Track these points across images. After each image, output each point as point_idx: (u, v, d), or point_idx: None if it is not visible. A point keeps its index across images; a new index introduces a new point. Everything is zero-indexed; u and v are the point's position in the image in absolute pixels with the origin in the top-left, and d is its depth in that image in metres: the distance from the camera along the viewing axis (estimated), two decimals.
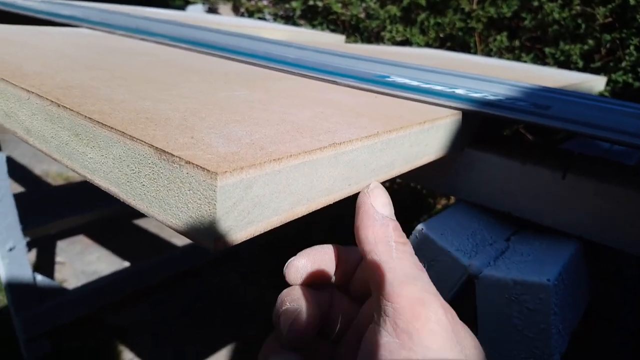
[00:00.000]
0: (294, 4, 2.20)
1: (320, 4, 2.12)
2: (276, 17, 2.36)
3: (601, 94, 1.53)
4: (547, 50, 1.70)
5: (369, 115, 0.34)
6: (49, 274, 1.69)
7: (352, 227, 0.25)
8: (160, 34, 0.67)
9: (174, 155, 0.20)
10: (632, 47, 1.51)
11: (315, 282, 0.26)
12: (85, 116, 0.24)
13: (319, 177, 0.25)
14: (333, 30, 2.15)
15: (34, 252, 1.78)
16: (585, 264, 0.43)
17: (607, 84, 1.53)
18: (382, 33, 2.03)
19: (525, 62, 1.71)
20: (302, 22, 2.25)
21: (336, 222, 1.74)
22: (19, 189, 2.15)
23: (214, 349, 1.43)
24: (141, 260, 1.66)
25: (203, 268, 1.78)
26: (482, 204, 0.45)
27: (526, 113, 0.42)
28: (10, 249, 1.26)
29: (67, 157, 0.27)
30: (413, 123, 0.33)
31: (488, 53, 1.83)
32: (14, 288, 1.26)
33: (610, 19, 1.58)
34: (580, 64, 1.62)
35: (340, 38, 1.59)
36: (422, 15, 1.95)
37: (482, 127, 0.47)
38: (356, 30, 2.13)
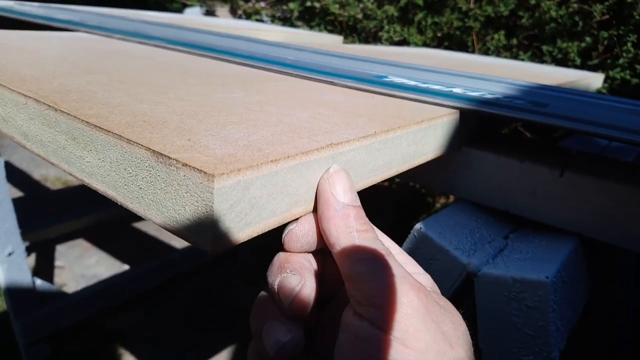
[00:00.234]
0: (291, 6, 2.20)
1: (317, 5, 2.13)
2: (274, 19, 2.36)
3: (599, 91, 1.53)
4: (544, 48, 1.70)
5: (366, 116, 0.34)
6: (49, 278, 1.69)
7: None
8: (158, 37, 0.67)
9: (170, 158, 0.20)
10: (629, 44, 1.52)
11: (312, 249, 0.26)
12: (83, 120, 0.24)
13: (316, 178, 0.25)
14: (331, 31, 2.16)
15: (33, 257, 1.78)
16: (585, 261, 0.43)
17: (605, 81, 1.53)
18: (380, 33, 2.04)
19: (522, 60, 1.72)
20: (299, 23, 2.25)
21: None
22: (17, 193, 2.15)
23: (213, 352, 1.43)
24: (140, 263, 1.66)
25: (201, 270, 1.77)
26: (481, 202, 0.45)
27: (524, 111, 0.42)
28: (10, 254, 1.26)
29: (64, 162, 0.27)
30: (411, 123, 0.34)
31: (486, 52, 1.84)
32: (14, 293, 1.26)
33: (607, 16, 1.58)
34: (578, 61, 1.63)
35: (338, 39, 1.59)
36: (420, 15, 1.95)
37: (480, 125, 0.48)
38: (354, 31, 2.14)
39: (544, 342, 0.36)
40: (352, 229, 0.23)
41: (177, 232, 0.21)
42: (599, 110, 0.49)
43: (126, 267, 1.79)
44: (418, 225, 0.42)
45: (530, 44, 1.79)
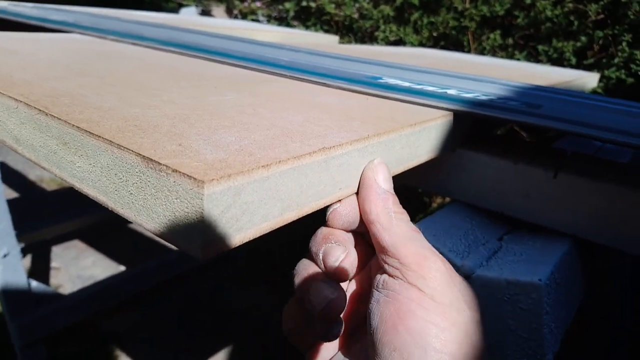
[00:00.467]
0: (287, 5, 2.20)
1: (313, 4, 2.12)
2: (270, 19, 2.36)
3: (594, 91, 1.54)
4: (540, 47, 1.71)
5: (360, 118, 0.34)
6: (45, 280, 1.68)
7: None
8: (151, 38, 0.66)
9: (160, 164, 0.20)
10: (624, 44, 1.52)
11: (350, 229, 0.29)
12: (73, 125, 0.24)
13: (309, 182, 0.25)
14: (327, 31, 2.16)
15: (29, 258, 1.77)
16: (579, 263, 0.43)
17: (600, 80, 1.53)
18: (376, 33, 2.04)
19: (518, 59, 1.72)
20: (295, 23, 2.25)
21: None
22: (13, 194, 2.14)
23: (209, 354, 1.42)
24: (136, 264, 1.65)
25: (198, 272, 1.77)
26: (475, 204, 0.45)
27: (517, 112, 0.42)
28: (5, 255, 1.25)
29: (55, 166, 0.27)
30: (404, 125, 0.33)
31: (481, 51, 1.84)
32: (9, 294, 1.25)
33: (602, 16, 1.59)
34: (573, 60, 1.63)
35: (334, 39, 1.59)
36: (415, 15, 1.95)
37: (474, 127, 0.48)
38: (350, 31, 2.13)
39: (538, 345, 0.36)
40: (390, 210, 0.28)
41: (168, 238, 0.21)
42: (593, 111, 0.49)
43: (122, 268, 1.79)
44: None
45: (526, 43, 1.80)
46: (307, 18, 2.19)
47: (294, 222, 0.25)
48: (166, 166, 0.20)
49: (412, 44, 1.95)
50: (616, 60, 1.54)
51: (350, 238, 0.29)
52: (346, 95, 0.43)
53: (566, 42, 1.65)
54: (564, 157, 0.45)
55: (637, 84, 1.53)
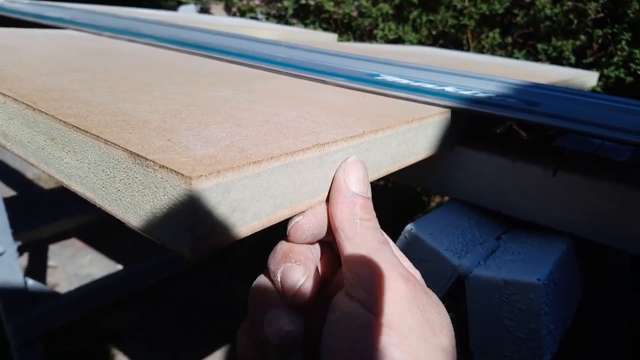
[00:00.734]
0: (286, 3, 2.19)
1: (312, 2, 2.12)
2: (268, 17, 2.35)
3: (593, 90, 1.53)
4: (539, 46, 1.70)
5: (356, 115, 0.33)
6: (41, 278, 1.67)
7: None
8: (148, 35, 0.66)
9: (147, 160, 0.19)
10: (623, 42, 1.52)
11: (315, 241, 0.27)
12: (60, 120, 0.24)
13: (302, 179, 0.24)
14: (325, 29, 2.15)
15: (26, 256, 1.77)
16: (578, 262, 0.43)
17: (600, 79, 1.53)
18: (375, 31, 2.03)
19: (517, 58, 1.71)
20: (294, 21, 2.24)
21: None
22: (10, 192, 2.13)
23: (208, 352, 1.42)
24: (134, 262, 1.65)
25: (196, 270, 1.77)
26: (473, 202, 0.44)
27: (516, 110, 0.42)
28: (1, 254, 1.25)
29: (43, 162, 0.26)
30: (401, 122, 0.33)
31: (480, 50, 1.83)
32: (5, 293, 1.25)
33: (601, 14, 1.58)
34: (573, 59, 1.63)
35: (332, 37, 1.58)
36: (415, 13, 1.94)
37: (473, 124, 0.47)
38: (349, 29, 2.13)
39: (536, 346, 0.35)
40: (356, 217, 0.25)
41: (156, 236, 0.20)
42: (592, 109, 0.48)
43: (120, 266, 1.78)
44: (409, 226, 0.41)
45: (525, 42, 1.79)
46: (306, 16, 2.18)
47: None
48: (153, 162, 0.19)
49: (411, 42, 1.94)
50: (615, 59, 1.53)
51: (313, 255, 0.26)
52: (343, 92, 0.42)
53: (565, 40, 1.65)
54: (562, 155, 0.44)
55: (637, 82, 1.52)
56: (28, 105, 0.26)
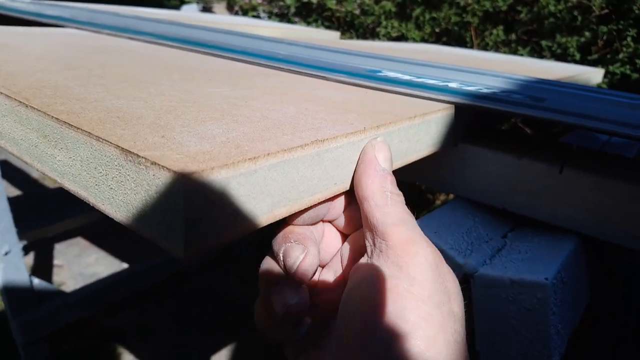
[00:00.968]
0: (288, 1, 2.18)
1: (314, 0, 2.11)
2: (271, 15, 2.35)
3: (599, 87, 1.52)
4: (543, 43, 1.69)
5: (357, 111, 0.32)
6: (47, 277, 1.67)
7: None
8: (148, 33, 0.65)
9: (139, 156, 0.19)
10: (629, 39, 1.50)
11: (313, 223, 0.28)
12: (52, 116, 0.23)
13: (301, 176, 0.24)
14: (328, 27, 2.14)
15: (31, 255, 1.77)
16: (586, 261, 0.42)
17: (605, 76, 1.51)
18: (378, 29, 2.02)
19: (521, 55, 1.70)
20: (296, 19, 2.24)
21: None
22: (16, 192, 2.14)
23: (213, 350, 1.42)
24: (139, 261, 1.64)
25: (201, 269, 1.76)
26: (478, 200, 0.43)
27: (521, 106, 0.41)
28: (6, 253, 1.25)
29: (37, 160, 0.25)
30: (402, 118, 0.32)
31: (484, 47, 1.82)
32: (11, 292, 1.25)
33: (606, 11, 1.57)
34: (577, 56, 1.61)
35: (335, 35, 1.57)
36: (418, 10, 1.93)
37: (477, 121, 0.46)
38: (351, 27, 2.12)
39: (544, 346, 0.35)
40: (387, 190, 0.26)
41: (149, 236, 0.20)
42: (599, 104, 0.47)
43: (125, 265, 1.78)
44: None
45: (529, 39, 1.77)
46: (308, 14, 2.17)
47: None
48: (145, 158, 0.19)
49: (414, 40, 1.93)
50: (621, 55, 1.52)
51: (312, 234, 0.28)
52: (345, 88, 0.41)
53: (570, 37, 1.63)
54: (569, 152, 0.44)
55: None
56: (20, 102, 0.25)
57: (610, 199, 0.37)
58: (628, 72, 1.52)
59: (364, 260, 0.26)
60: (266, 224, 0.22)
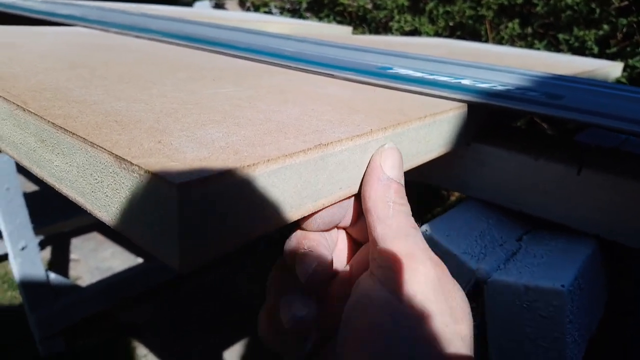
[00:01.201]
0: None
1: None
2: (282, 11, 2.33)
3: (618, 81, 1.48)
4: (560, 36, 1.65)
5: (365, 111, 0.31)
6: (64, 271, 1.70)
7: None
8: (156, 31, 0.65)
9: (133, 164, 0.18)
10: None
11: (327, 229, 0.27)
12: (49, 121, 0.22)
13: (303, 182, 0.23)
14: (340, 22, 2.12)
15: (48, 250, 1.79)
16: (603, 265, 0.40)
17: (624, 70, 1.47)
18: (390, 23, 1.99)
19: (538, 49, 1.66)
20: (308, 14, 2.22)
21: None
22: (33, 187, 2.16)
23: (227, 345, 1.42)
24: (154, 256, 1.65)
25: (218, 263, 1.77)
26: (492, 201, 0.42)
27: (537, 104, 0.39)
28: (23, 248, 1.26)
29: (35, 165, 0.25)
30: (413, 118, 0.31)
31: (500, 41, 1.79)
32: (28, 287, 1.27)
33: (626, 2, 1.52)
34: (596, 50, 1.57)
35: (347, 30, 1.56)
36: (431, 4, 1.90)
37: (490, 119, 0.45)
38: (364, 21, 2.10)
39: (560, 355, 0.33)
40: (390, 200, 0.25)
41: (145, 246, 0.19)
42: (619, 101, 0.46)
43: (140, 260, 1.80)
44: (424, 227, 0.39)
45: (545, 32, 1.74)
46: (320, 9, 2.16)
47: None
48: (138, 166, 0.18)
49: (428, 34, 1.90)
50: None
51: (326, 242, 0.27)
52: (353, 86, 0.40)
53: (588, 30, 1.59)
54: (587, 152, 0.42)
55: None
56: (19, 105, 0.25)
57: (631, 201, 0.35)
58: None
59: (365, 275, 0.25)
60: (268, 232, 0.21)
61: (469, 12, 1.82)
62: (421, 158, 0.33)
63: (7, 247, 1.25)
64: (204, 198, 0.17)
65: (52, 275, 1.34)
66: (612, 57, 1.54)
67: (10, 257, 1.25)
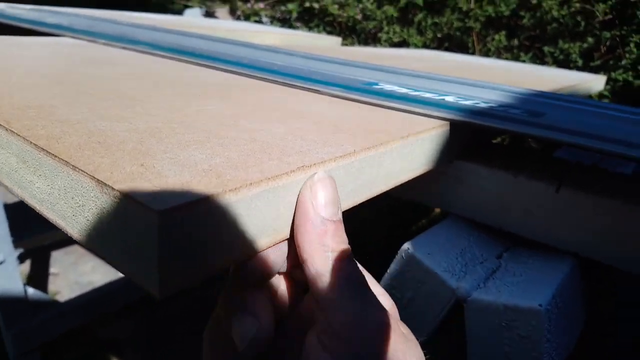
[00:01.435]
0: (290, 7, 2.18)
1: (316, 6, 2.11)
2: (273, 20, 2.34)
3: (601, 94, 1.51)
4: (546, 49, 1.68)
5: (349, 131, 0.32)
6: (43, 285, 1.67)
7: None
8: (144, 42, 0.65)
9: (114, 189, 0.18)
10: (632, 45, 1.49)
11: (268, 277, 0.24)
12: (31, 142, 0.22)
13: (286, 205, 0.23)
14: (330, 32, 2.14)
15: (27, 263, 1.76)
16: (581, 284, 0.41)
17: (607, 82, 1.50)
18: (379, 34, 2.01)
19: (524, 61, 1.69)
20: (298, 24, 2.23)
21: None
22: (13, 199, 2.14)
23: None
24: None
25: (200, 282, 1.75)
26: (473, 219, 0.42)
27: (518, 123, 0.40)
28: (1, 263, 1.24)
29: (17, 186, 0.25)
30: (395, 137, 0.31)
31: (486, 53, 1.81)
32: (5, 302, 1.24)
33: (610, 16, 1.56)
34: (580, 62, 1.60)
35: (336, 40, 1.57)
36: (420, 16, 1.93)
37: (474, 136, 0.45)
38: (353, 32, 2.11)
39: None
40: (328, 249, 0.22)
41: (125, 272, 0.19)
42: (601, 120, 0.47)
43: (121, 274, 1.77)
44: (405, 246, 0.39)
45: (531, 44, 1.77)
46: (310, 19, 2.17)
47: None
48: (120, 192, 0.18)
49: (416, 46, 1.92)
50: (624, 61, 1.51)
51: (267, 299, 0.24)
52: (338, 103, 0.41)
53: (572, 43, 1.62)
54: (567, 170, 0.43)
55: None
56: (1, 125, 0.25)
57: (609, 220, 0.36)
58: (630, 78, 1.51)
59: (312, 335, 0.22)
60: (248, 257, 0.22)
61: (456, 24, 1.85)
62: (403, 177, 0.33)
63: None
64: (184, 224, 0.18)
65: (31, 290, 1.31)
66: (595, 70, 1.57)
67: None
